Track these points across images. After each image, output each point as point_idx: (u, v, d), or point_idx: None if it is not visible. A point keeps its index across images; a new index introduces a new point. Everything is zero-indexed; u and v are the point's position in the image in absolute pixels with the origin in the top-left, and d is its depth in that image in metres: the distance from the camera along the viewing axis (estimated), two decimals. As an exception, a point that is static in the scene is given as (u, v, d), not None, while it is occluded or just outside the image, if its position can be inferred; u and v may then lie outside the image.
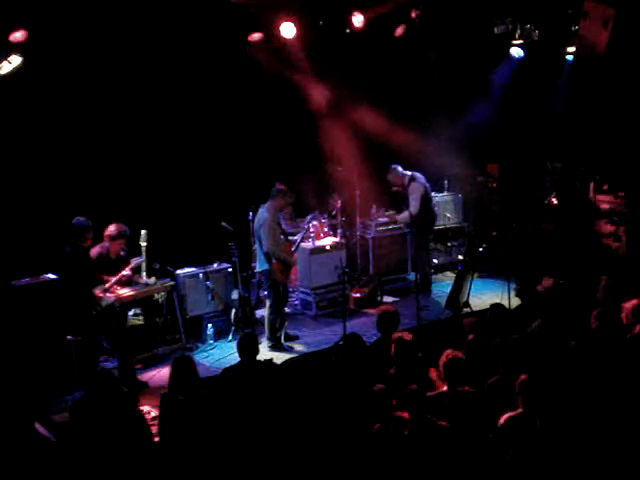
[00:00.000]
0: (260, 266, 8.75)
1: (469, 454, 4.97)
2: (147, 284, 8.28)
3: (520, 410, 5.02)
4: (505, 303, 8.05)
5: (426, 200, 10.20)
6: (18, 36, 7.56)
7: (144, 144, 9.41)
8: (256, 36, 9.61)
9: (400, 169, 10.25)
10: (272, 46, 9.79)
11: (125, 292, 8.11)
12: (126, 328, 8.17)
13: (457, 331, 7.03)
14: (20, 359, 7.51)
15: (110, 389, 5.38)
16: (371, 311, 9.67)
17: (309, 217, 9.41)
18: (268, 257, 8.60)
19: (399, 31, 10.51)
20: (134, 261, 8.06)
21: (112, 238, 7.86)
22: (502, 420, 5.03)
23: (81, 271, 7.61)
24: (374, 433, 5.04)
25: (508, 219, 10.94)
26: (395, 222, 10.63)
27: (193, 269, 9.19)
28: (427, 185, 10.32)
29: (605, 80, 10.27)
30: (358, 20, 9.93)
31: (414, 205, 10.04)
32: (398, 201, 10.73)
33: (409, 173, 10.22)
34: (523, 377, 5.13)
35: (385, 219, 10.81)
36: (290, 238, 9.06)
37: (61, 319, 7.87)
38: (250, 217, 9.41)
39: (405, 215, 10.16)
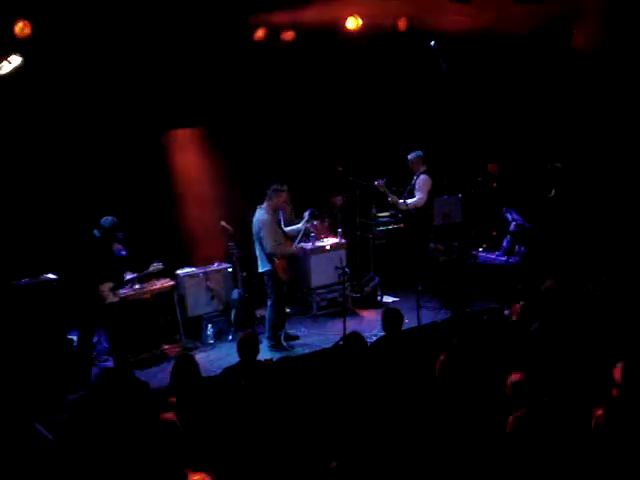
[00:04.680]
0: (262, 266, 8.74)
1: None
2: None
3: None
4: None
5: (431, 198, 10.19)
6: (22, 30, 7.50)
7: (144, 143, 9.40)
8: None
9: (423, 158, 10.24)
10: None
11: (125, 292, 8.14)
12: (125, 328, 8.19)
13: (457, 331, 7.04)
14: (20, 359, 7.52)
15: (114, 389, 5.40)
16: (371, 311, 9.71)
17: (307, 212, 9.23)
18: (270, 257, 8.59)
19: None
20: (154, 266, 8.24)
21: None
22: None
23: (89, 264, 7.72)
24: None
25: (508, 219, 10.93)
26: (399, 213, 10.60)
27: (193, 269, 9.20)
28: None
29: (603, 79, 10.28)
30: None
31: (422, 195, 10.02)
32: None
33: (425, 166, 10.22)
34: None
35: (386, 218, 10.84)
36: (289, 229, 9.04)
37: (61, 319, 7.91)
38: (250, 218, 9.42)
39: (416, 201, 10.07)
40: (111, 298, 7.83)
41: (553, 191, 10.46)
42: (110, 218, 7.83)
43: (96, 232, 7.81)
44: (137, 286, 8.37)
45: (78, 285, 7.80)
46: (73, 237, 8.13)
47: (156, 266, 8.27)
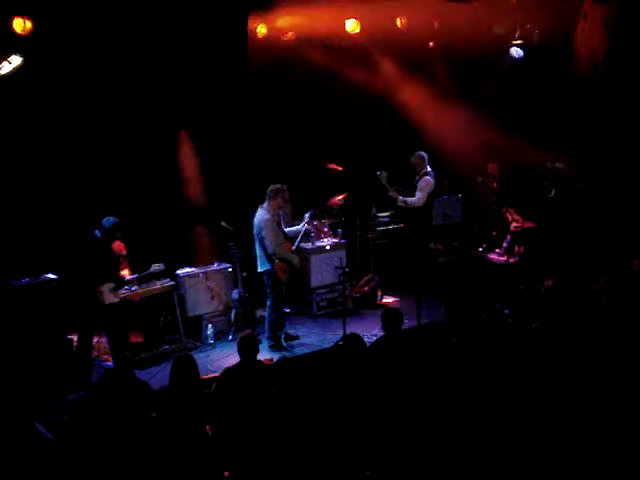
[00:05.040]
0: (262, 266, 8.74)
1: None
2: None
3: None
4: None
5: (431, 199, 10.19)
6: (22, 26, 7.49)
7: (144, 144, 9.40)
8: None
9: (426, 158, 10.21)
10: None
11: (125, 292, 8.14)
12: (125, 329, 8.19)
13: (457, 331, 7.03)
14: (20, 359, 7.52)
15: (114, 390, 5.40)
16: (371, 311, 9.70)
17: (308, 213, 9.28)
18: (270, 257, 8.59)
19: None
20: (155, 267, 8.28)
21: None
22: None
23: (89, 264, 7.73)
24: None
25: (507, 219, 10.92)
26: (399, 213, 10.59)
27: (193, 269, 9.20)
28: (434, 184, 10.31)
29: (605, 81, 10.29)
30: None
31: (422, 195, 10.02)
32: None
33: (429, 168, 10.20)
34: None
35: (386, 218, 10.86)
36: (288, 230, 9.03)
37: (61, 319, 7.91)
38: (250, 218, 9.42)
39: (415, 200, 10.05)
40: (111, 299, 7.84)
41: (553, 191, 10.46)
42: (112, 219, 7.84)
43: (97, 233, 7.82)
44: (136, 287, 8.36)
45: (79, 286, 7.81)
46: (73, 237, 8.13)
47: (157, 267, 8.29)
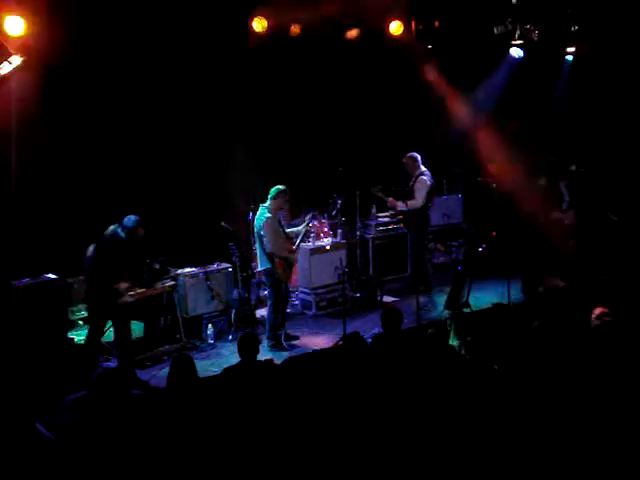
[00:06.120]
0: (262, 265, 8.75)
1: None
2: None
3: None
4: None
5: (429, 197, 10.21)
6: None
7: (145, 143, 9.41)
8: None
9: (419, 159, 10.23)
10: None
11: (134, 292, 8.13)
12: (129, 328, 8.19)
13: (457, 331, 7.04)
14: (20, 359, 7.52)
15: (115, 390, 5.40)
16: (371, 311, 9.70)
17: (309, 215, 9.29)
18: (270, 256, 8.60)
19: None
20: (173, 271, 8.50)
21: None
22: None
23: (111, 263, 7.62)
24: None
25: (508, 219, 10.93)
26: (398, 214, 10.60)
27: (193, 269, 9.20)
28: (432, 184, 10.30)
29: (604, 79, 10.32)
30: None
31: (420, 196, 10.04)
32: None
33: (423, 168, 10.21)
34: None
35: (386, 219, 10.88)
36: (289, 230, 9.04)
37: (61, 318, 7.91)
38: (250, 217, 9.42)
39: (415, 202, 10.08)
40: (126, 298, 7.76)
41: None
42: (133, 217, 7.65)
43: (119, 231, 7.67)
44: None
45: (97, 284, 7.70)
46: (73, 237, 8.14)
47: (174, 271, 8.51)
